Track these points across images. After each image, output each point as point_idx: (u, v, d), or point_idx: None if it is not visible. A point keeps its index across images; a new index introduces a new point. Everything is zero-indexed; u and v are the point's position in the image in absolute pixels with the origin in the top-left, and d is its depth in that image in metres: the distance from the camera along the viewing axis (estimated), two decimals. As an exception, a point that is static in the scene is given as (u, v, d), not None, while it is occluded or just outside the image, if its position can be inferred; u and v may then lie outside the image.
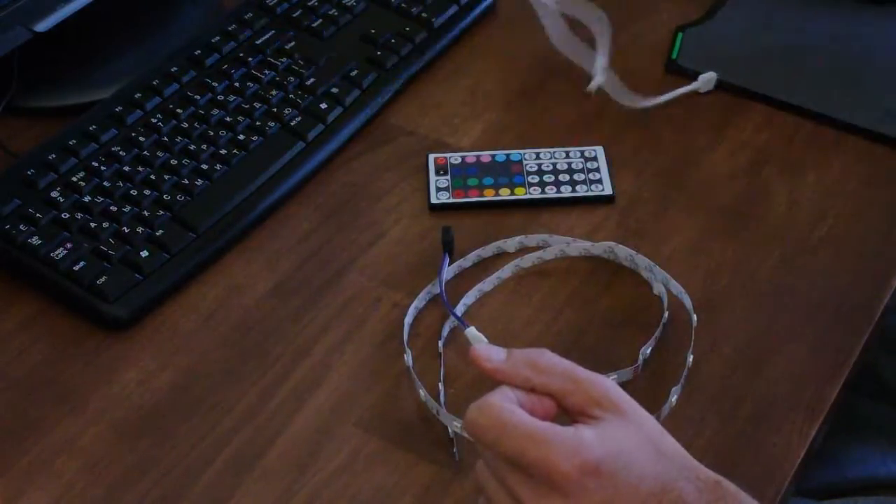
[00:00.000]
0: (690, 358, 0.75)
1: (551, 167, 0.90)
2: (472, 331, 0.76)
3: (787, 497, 0.71)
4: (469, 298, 0.82)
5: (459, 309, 0.81)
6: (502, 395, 0.61)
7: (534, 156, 0.91)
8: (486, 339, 0.76)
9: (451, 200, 0.88)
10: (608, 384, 0.62)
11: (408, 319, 0.80)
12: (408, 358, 0.77)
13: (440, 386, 0.76)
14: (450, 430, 0.72)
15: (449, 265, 0.83)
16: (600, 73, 0.78)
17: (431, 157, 0.92)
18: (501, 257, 0.85)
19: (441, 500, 0.71)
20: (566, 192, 0.88)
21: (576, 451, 0.59)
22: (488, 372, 0.63)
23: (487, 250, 0.85)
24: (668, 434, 0.63)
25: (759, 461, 0.72)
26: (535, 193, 0.88)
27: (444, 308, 0.80)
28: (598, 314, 0.81)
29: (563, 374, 0.62)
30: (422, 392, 0.75)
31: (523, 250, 0.85)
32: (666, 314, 0.78)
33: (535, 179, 0.89)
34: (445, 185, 0.89)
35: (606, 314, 0.81)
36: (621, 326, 0.79)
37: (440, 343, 0.78)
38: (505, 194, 0.88)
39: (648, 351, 0.76)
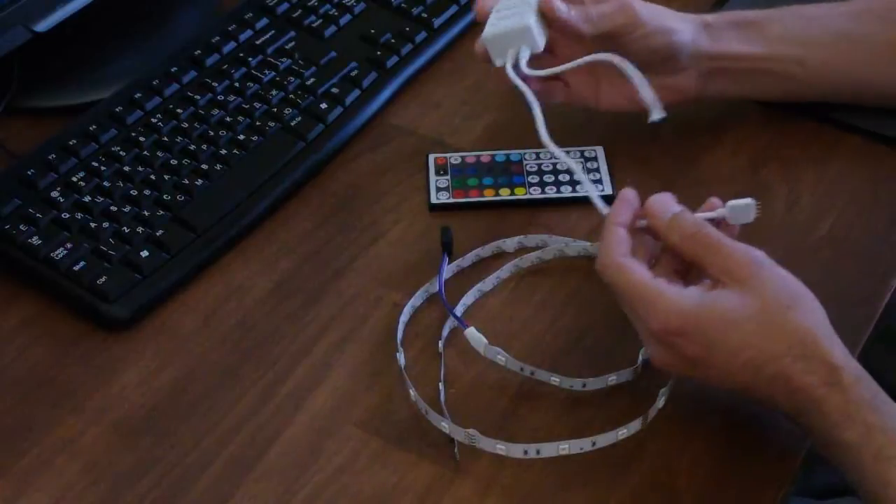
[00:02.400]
0: None
1: (551, 167, 0.90)
2: (471, 331, 0.76)
3: (788, 497, 0.71)
4: (468, 298, 0.82)
5: (459, 309, 0.80)
6: (620, 246, 0.71)
7: (534, 156, 0.91)
8: (485, 340, 0.76)
9: (451, 200, 0.88)
10: (751, 256, 0.68)
11: (403, 318, 0.80)
12: (400, 357, 0.77)
13: (440, 386, 0.76)
14: (447, 429, 0.72)
15: (448, 265, 0.83)
16: (656, 108, 0.79)
17: (431, 157, 0.92)
18: (501, 257, 0.85)
19: (441, 500, 0.71)
20: (566, 192, 0.88)
21: (666, 313, 0.67)
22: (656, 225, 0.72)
23: (486, 250, 0.85)
24: (807, 310, 0.67)
25: (759, 461, 0.72)
26: (535, 193, 0.88)
27: (444, 308, 0.80)
28: (597, 314, 0.81)
29: (707, 246, 0.69)
30: (412, 392, 0.74)
31: (522, 250, 0.85)
32: (666, 314, 0.78)
33: (535, 179, 0.89)
34: (445, 185, 0.89)
35: (606, 314, 0.81)
36: (621, 327, 0.79)
37: (440, 343, 0.78)
38: (505, 194, 0.88)
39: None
